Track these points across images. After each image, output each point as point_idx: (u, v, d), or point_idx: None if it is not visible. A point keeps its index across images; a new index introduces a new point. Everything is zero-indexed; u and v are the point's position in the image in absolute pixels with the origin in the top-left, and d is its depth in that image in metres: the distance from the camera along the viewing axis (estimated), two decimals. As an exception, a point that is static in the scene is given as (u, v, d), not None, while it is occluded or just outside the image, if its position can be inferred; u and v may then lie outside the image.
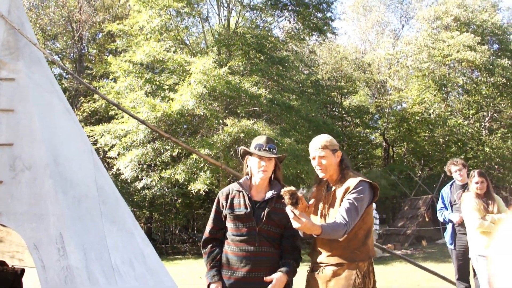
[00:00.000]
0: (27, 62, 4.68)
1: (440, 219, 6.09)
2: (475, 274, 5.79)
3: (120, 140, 16.07)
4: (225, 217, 3.24)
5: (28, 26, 5.14)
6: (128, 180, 16.35)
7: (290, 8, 20.63)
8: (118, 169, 16.24)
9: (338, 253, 2.90)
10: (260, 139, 3.26)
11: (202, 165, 15.49)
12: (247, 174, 3.33)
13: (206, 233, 3.31)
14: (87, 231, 3.94)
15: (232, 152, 17.19)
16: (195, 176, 15.57)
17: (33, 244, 3.57)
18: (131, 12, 21.87)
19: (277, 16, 21.31)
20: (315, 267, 3.05)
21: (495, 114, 29.13)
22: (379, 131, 30.68)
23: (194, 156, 15.47)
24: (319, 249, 3.01)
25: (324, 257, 2.96)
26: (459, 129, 26.11)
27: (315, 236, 2.76)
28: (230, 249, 3.16)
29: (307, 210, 2.79)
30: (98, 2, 26.38)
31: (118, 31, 19.39)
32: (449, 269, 10.88)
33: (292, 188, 2.67)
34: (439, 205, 6.13)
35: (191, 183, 15.24)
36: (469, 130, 26.58)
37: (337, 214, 2.84)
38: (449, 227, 5.98)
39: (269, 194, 3.19)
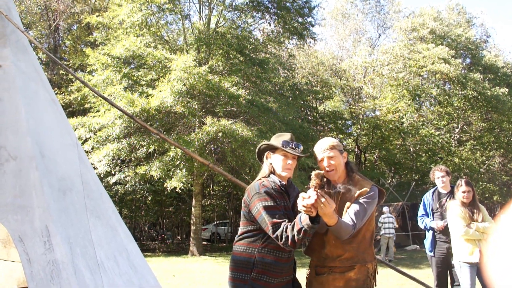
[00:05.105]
0: (13, 50, 4.55)
1: (421, 226, 6.17)
2: (453, 282, 5.92)
3: (94, 134, 15.81)
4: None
5: (15, 13, 5.01)
6: (101, 175, 16.08)
7: (271, 11, 20.70)
8: (91, 164, 15.94)
9: (351, 255, 2.91)
10: (285, 136, 3.07)
11: (178, 162, 15.37)
12: (271, 172, 3.08)
13: (275, 222, 2.77)
14: (72, 225, 3.85)
15: (207, 151, 17.13)
16: (171, 173, 15.45)
17: (18, 237, 3.47)
18: (110, 5, 21.57)
19: (258, 18, 21.38)
20: (319, 270, 3.02)
21: (465, 126, 29.96)
22: (352, 137, 31.04)
23: (171, 153, 15.34)
24: (326, 251, 2.97)
25: (333, 259, 2.94)
26: (430, 139, 26.71)
27: (328, 226, 2.70)
28: (274, 255, 2.91)
29: None
30: (76, -8, 25.91)
31: (97, 24, 19.08)
32: (420, 275, 11.08)
33: (322, 171, 2.63)
34: (420, 211, 6.22)
35: (167, 180, 15.11)
36: (440, 141, 27.22)
37: (346, 215, 2.86)
38: (429, 234, 6.07)
39: (294, 193, 3.08)
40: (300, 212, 2.60)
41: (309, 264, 3.17)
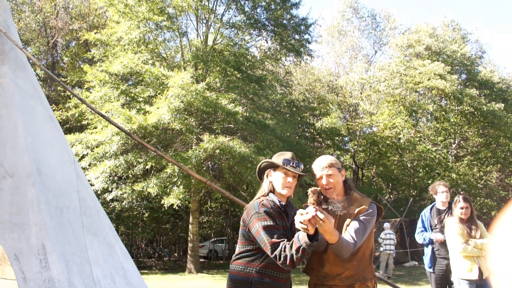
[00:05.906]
0: (12, 67, 4.57)
1: (420, 241, 6.16)
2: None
3: (92, 151, 15.77)
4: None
5: (14, 30, 5.04)
6: (98, 192, 15.99)
7: (268, 28, 20.84)
8: (88, 180, 15.86)
9: (351, 273, 2.89)
10: (287, 155, 3.08)
11: (175, 179, 15.32)
12: (271, 190, 3.08)
13: (274, 242, 2.75)
14: (69, 242, 3.82)
15: (205, 168, 17.08)
16: (168, 190, 15.39)
17: (14, 255, 3.43)
18: (108, 22, 21.70)
19: (255, 35, 21.52)
20: None
21: (462, 142, 30.03)
22: (349, 153, 31.03)
23: (168, 170, 15.30)
24: (326, 269, 2.95)
25: (333, 278, 2.92)
26: (428, 155, 26.71)
27: (329, 244, 2.71)
28: (272, 275, 2.91)
29: None
30: (74, 10, 26.09)
31: (95, 41, 19.18)
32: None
33: (318, 188, 2.61)
34: (419, 228, 6.20)
35: (164, 197, 15.04)
36: (437, 156, 27.23)
37: (346, 233, 2.84)
38: (428, 250, 6.05)
39: (292, 213, 3.05)
40: (298, 230, 2.58)
41: (308, 282, 3.14)
